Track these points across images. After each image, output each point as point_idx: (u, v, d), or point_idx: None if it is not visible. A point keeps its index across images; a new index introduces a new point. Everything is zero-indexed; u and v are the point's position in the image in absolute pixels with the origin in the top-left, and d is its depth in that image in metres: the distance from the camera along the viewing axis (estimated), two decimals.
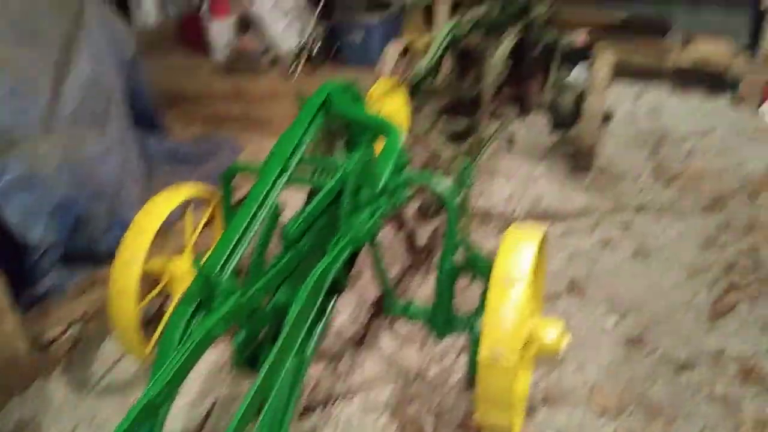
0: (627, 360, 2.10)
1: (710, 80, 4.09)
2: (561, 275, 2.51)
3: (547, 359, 2.07)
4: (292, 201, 2.90)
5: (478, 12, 3.14)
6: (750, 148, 3.43)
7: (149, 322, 2.28)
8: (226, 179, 1.90)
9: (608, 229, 2.80)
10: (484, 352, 1.48)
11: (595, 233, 2.77)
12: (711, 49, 4.02)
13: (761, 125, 3.68)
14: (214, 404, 1.97)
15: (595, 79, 3.02)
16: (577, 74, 3.76)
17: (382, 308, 2.09)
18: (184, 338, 1.28)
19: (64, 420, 1.97)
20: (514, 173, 3.27)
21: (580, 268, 2.55)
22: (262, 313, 1.41)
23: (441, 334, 1.76)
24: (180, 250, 2.11)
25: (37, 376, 2.11)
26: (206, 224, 2.19)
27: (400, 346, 2.19)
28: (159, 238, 1.93)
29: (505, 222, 2.87)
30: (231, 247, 1.46)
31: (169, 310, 1.99)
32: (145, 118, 3.20)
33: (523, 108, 3.62)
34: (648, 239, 2.72)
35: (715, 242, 2.67)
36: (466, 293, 2.41)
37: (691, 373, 2.03)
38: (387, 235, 2.81)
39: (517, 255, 1.55)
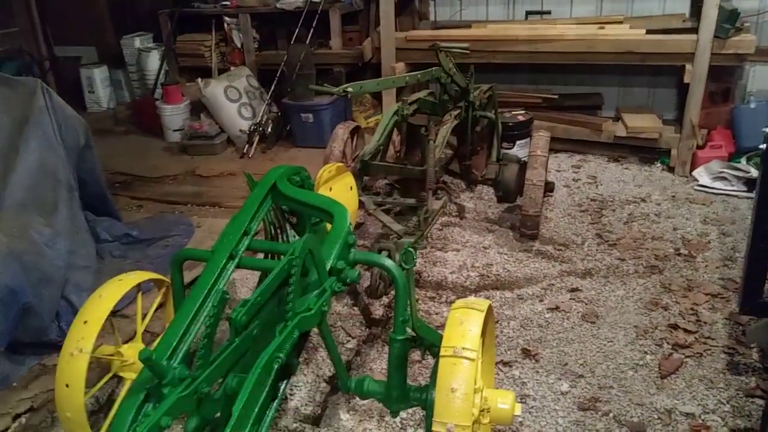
0: (582, 424, 2.13)
1: (643, 150, 4.35)
2: (514, 342, 2.56)
3: (504, 427, 2.09)
4: (248, 281, 2.90)
5: (422, 94, 3.32)
6: (684, 212, 3.64)
7: (102, 407, 2.21)
8: (176, 264, 1.92)
9: (557, 294, 2.88)
10: (437, 426, 1.50)
11: (545, 299, 2.85)
12: (642, 122, 4.31)
13: (693, 190, 3.91)
14: None
15: (534, 153, 3.20)
16: (518, 149, 3.96)
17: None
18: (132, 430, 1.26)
19: None
20: (464, 243, 3.37)
21: (533, 334, 2.61)
22: (212, 400, 1.40)
23: (395, 411, 1.77)
24: (131, 335, 2.09)
25: None
26: (158, 308, 2.18)
27: (359, 421, 2.17)
28: (110, 324, 1.91)
29: (458, 291, 2.93)
30: (179, 335, 1.47)
31: (120, 397, 1.94)
32: (96, 202, 3.20)
33: (470, 181, 3.78)
34: (595, 303, 2.81)
35: (658, 303, 2.78)
36: (424, 363, 2.43)
37: None
38: (344, 306, 2.83)
39: (463, 328, 1.59)
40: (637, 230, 3.43)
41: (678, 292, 2.85)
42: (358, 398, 2.22)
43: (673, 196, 3.85)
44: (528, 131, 3.99)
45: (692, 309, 2.72)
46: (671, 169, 4.20)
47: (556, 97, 4.69)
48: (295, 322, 1.50)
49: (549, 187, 3.28)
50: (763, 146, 2.17)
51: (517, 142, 3.99)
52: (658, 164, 4.30)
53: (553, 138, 3.55)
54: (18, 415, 2.16)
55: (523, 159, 3.48)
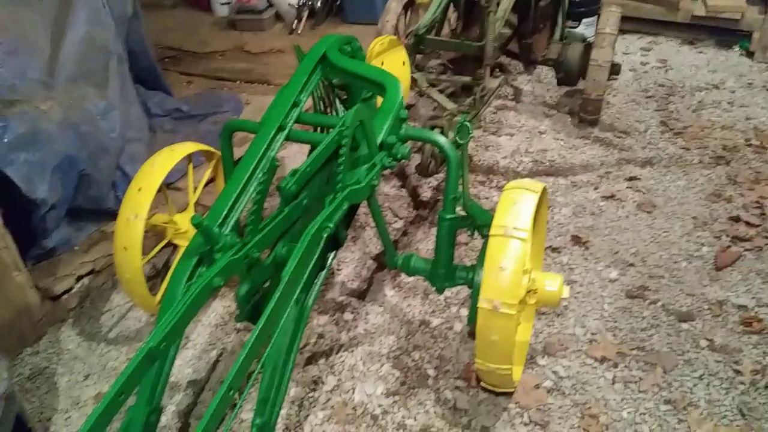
0: (628, 311, 2.11)
1: (722, 32, 3.98)
2: (565, 228, 2.51)
3: (549, 310, 2.10)
4: (299, 156, 2.91)
5: None
6: (760, 101, 3.37)
7: (158, 273, 2.33)
8: (225, 136, 1.91)
9: (613, 183, 2.78)
10: (483, 303, 1.50)
11: (600, 187, 2.75)
12: (723, 1, 3.91)
13: None
14: (221, 354, 2.03)
15: (602, 31, 2.96)
16: (584, 27, 3.68)
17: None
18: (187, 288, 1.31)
19: (76, 368, 2.04)
20: (519, 127, 3.24)
21: (585, 222, 2.55)
22: (262, 266, 1.43)
23: (441, 288, 1.78)
24: (184, 207, 2.14)
25: (49, 327, 2.17)
26: (210, 180, 2.21)
27: (403, 297, 2.22)
28: (165, 195, 1.95)
29: (510, 176, 2.86)
30: (230, 203, 1.49)
31: (174, 263, 2.02)
32: (147, 76, 3.18)
33: (529, 62, 3.57)
34: (654, 193, 2.70)
35: (721, 195, 2.65)
36: (470, 246, 2.43)
37: (692, 323, 2.05)
38: (392, 188, 2.82)
39: (516, 209, 1.55)
40: (707, 119, 3.22)
41: (744, 185, 2.70)
42: (403, 276, 2.26)
43: (750, 83, 3.56)
44: (596, 8, 3.67)
45: (757, 202, 2.59)
46: (750, 54, 3.85)
47: None
48: (344, 194, 1.48)
49: (615, 70, 3.06)
50: None
51: (584, 20, 3.70)
52: (737, 48, 3.94)
53: (623, 17, 3.25)
54: (81, 277, 2.29)
55: (589, 39, 3.24)
